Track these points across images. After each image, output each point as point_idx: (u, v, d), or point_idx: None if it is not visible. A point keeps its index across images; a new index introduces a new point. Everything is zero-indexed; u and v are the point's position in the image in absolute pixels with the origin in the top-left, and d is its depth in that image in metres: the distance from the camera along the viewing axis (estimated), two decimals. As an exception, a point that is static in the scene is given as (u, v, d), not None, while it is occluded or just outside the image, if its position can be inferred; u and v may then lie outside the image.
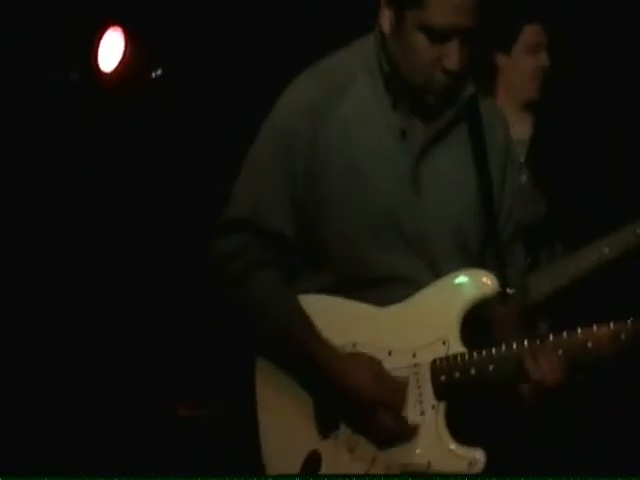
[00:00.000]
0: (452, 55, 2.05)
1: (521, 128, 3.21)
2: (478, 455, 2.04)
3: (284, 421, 2.19)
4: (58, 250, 3.89)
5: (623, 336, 2.04)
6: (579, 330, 2.05)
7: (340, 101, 2.14)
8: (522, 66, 3.24)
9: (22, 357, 3.77)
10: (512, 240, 2.27)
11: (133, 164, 4.10)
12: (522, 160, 3.20)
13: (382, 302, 2.14)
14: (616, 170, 3.43)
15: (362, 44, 2.22)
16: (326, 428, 2.14)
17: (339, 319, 2.15)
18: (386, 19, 2.11)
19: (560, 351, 2.03)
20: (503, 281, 2.12)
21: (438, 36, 2.05)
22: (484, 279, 2.10)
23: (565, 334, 2.05)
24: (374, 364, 2.10)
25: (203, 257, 2.28)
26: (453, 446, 2.06)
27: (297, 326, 2.13)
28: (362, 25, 2.26)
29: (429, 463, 2.06)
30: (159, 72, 4.37)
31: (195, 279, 2.41)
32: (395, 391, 2.09)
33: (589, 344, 2.03)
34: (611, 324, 2.04)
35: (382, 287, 2.14)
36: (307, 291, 2.20)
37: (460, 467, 2.03)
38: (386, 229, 2.13)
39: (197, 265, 2.36)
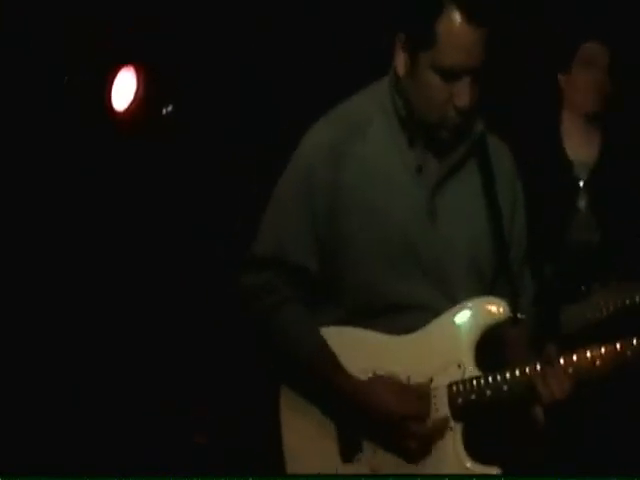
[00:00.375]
0: (463, 94, 2.17)
1: (586, 150, 3.25)
2: (494, 472, 2.15)
3: (308, 446, 2.27)
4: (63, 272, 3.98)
5: (629, 353, 2.15)
6: (588, 352, 2.16)
7: (358, 141, 2.26)
8: (579, 81, 3.26)
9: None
10: (522, 268, 2.38)
11: (146, 197, 4.20)
12: (582, 184, 3.20)
13: (400, 330, 2.25)
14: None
15: (376, 88, 2.34)
16: (349, 452, 2.23)
17: (358, 349, 2.25)
18: (401, 62, 2.23)
19: (570, 370, 2.15)
20: (514, 307, 2.23)
21: (449, 75, 2.16)
22: (496, 306, 2.22)
23: (575, 356, 2.16)
24: (394, 381, 2.21)
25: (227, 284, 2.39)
26: (470, 465, 2.16)
27: (322, 357, 2.23)
28: (376, 70, 2.38)
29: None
30: (170, 108, 4.53)
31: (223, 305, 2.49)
32: (420, 399, 2.18)
33: (597, 363, 2.15)
34: (617, 344, 2.14)
35: (400, 315, 2.24)
36: (327, 322, 2.28)
37: None
38: (404, 259, 2.23)
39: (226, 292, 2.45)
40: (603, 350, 2.16)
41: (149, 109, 4.30)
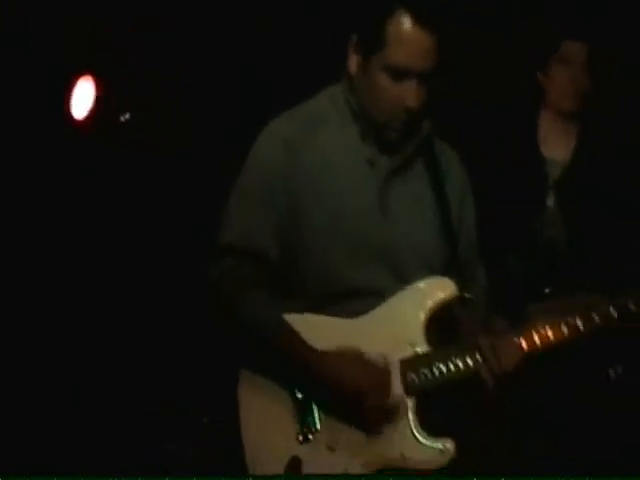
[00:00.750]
0: (411, 94, 2.30)
1: (561, 149, 3.28)
2: (448, 445, 2.27)
3: (265, 429, 2.36)
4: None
5: (580, 327, 2.29)
6: (535, 328, 2.30)
7: (313, 138, 2.40)
8: (557, 78, 3.29)
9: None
10: (474, 263, 2.52)
11: (105, 202, 4.30)
12: (552, 181, 3.24)
13: (356, 314, 2.36)
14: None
15: (330, 90, 2.50)
16: (305, 432, 2.32)
17: (316, 334, 2.34)
18: (353, 62, 2.37)
19: (518, 342, 2.29)
20: (463, 288, 2.37)
21: (398, 75, 2.29)
22: (444, 285, 2.36)
23: (524, 330, 2.30)
24: (359, 354, 2.31)
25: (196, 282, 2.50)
26: (423, 438, 2.28)
27: (287, 336, 2.33)
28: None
29: (402, 455, 2.27)
30: (127, 116, 4.68)
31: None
32: (382, 374, 2.30)
33: (544, 339, 2.31)
34: (566, 316, 2.28)
35: (356, 301, 2.36)
36: (287, 310, 2.38)
37: (431, 456, 2.26)
38: (358, 247, 2.36)
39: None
40: (549, 327, 2.28)
41: (107, 117, 4.43)
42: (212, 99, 4.43)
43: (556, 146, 3.28)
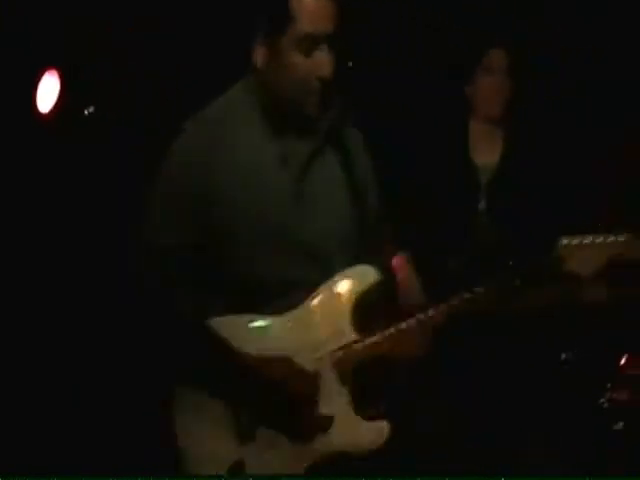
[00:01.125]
0: (323, 63, 2.39)
1: (489, 154, 3.46)
2: (384, 425, 2.38)
3: (204, 439, 2.40)
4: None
5: (478, 302, 2.44)
6: (439, 307, 2.45)
7: (227, 138, 2.44)
8: (481, 87, 3.46)
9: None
10: (381, 225, 2.63)
11: (70, 196, 4.39)
12: (484, 184, 3.43)
13: (285, 308, 2.43)
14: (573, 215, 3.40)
15: (238, 88, 2.54)
16: (245, 435, 2.38)
17: (246, 335, 2.41)
18: (261, 56, 2.43)
19: (426, 327, 2.42)
20: (381, 270, 2.48)
21: (309, 47, 2.37)
22: (365, 273, 2.45)
23: (430, 312, 2.44)
24: (287, 362, 2.38)
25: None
26: (360, 424, 2.37)
27: (215, 346, 2.39)
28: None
29: (344, 442, 2.36)
30: (91, 109, 4.74)
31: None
32: (310, 383, 2.37)
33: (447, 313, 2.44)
34: (463, 294, 2.43)
35: (283, 295, 2.42)
36: (215, 310, 2.43)
37: (370, 438, 2.37)
38: (279, 243, 2.43)
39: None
40: (449, 303, 2.42)
41: (72, 110, 4.51)
42: (176, 91, 4.51)
43: (486, 152, 3.46)
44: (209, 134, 2.46)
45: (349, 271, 2.45)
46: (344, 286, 2.43)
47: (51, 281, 4.16)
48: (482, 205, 3.43)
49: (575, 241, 2.46)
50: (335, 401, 2.38)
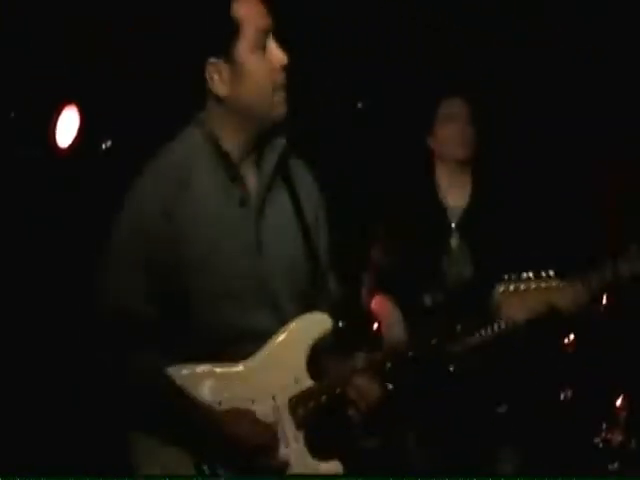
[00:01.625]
0: (276, 52, 2.47)
1: (457, 196, 3.65)
2: (337, 465, 2.48)
3: None
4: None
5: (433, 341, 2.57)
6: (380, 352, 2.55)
7: (185, 193, 2.43)
8: (444, 134, 3.63)
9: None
10: (328, 271, 2.65)
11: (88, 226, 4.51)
12: (454, 225, 3.62)
13: (242, 356, 2.45)
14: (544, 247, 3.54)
15: (189, 134, 2.51)
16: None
17: (205, 383, 2.43)
18: (220, 80, 2.44)
19: (370, 371, 2.50)
20: (335, 317, 2.54)
21: (261, 41, 2.44)
22: (320, 320, 2.51)
23: (371, 355, 2.53)
24: (247, 414, 2.42)
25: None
26: (316, 464, 2.46)
27: (176, 400, 2.40)
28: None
29: None
30: (109, 143, 4.87)
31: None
32: (268, 433, 2.42)
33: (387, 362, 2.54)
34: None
35: (241, 344, 2.44)
36: (174, 359, 2.42)
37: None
38: (239, 292, 2.43)
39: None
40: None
41: (90, 144, 4.62)
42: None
43: (455, 194, 3.67)
44: (168, 188, 2.44)
45: (304, 318, 2.50)
46: (299, 333, 2.49)
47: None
48: (454, 242, 3.62)
49: (511, 287, 2.55)
50: (292, 445, 2.46)
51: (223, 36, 2.44)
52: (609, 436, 4.05)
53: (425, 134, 3.72)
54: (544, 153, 4.92)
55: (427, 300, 3.51)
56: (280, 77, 2.48)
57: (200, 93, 2.52)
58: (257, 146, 2.52)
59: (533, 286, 2.57)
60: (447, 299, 3.49)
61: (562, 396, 4.25)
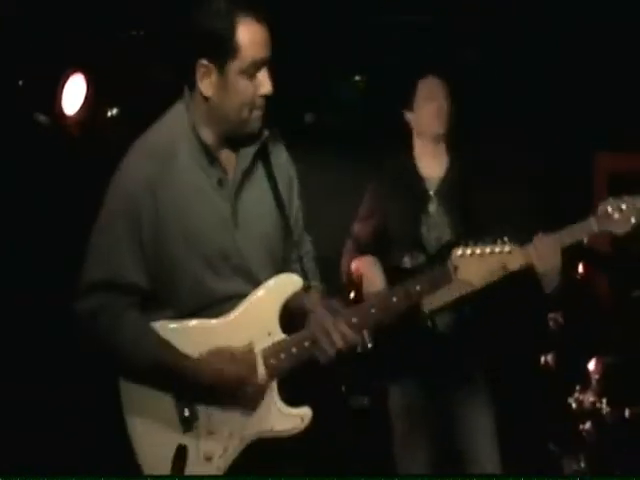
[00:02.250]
0: (265, 82, 2.66)
1: (434, 167, 3.88)
2: (306, 411, 2.70)
3: (151, 428, 2.69)
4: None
5: (394, 299, 2.75)
6: (363, 304, 2.76)
7: (169, 170, 2.65)
8: (423, 112, 3.87)
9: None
10: (301, 238, 2.90)
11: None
12: (432, 192, 3.83)
13: (222, 316, 2.70)
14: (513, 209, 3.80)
15: (176, 117, 2.72)
16: (187, 424, 2.68)
17: (188, 338, 2.67)
18: (207, 85, 2.63)
19: (353, 320, 2.69)
20: (305, 275, 2.77)
21: (252, 71, 2.63)
22: (290, 279, 2.74)
23: (356, 307, 2.74)
24: (225, 352, 2.67)
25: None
26: (286, 410, 2.71)
27: (163, 352, 2.65)
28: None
29: (272, 428, 2.68)
30: (115, 111, 4.99)
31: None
32: (246, 364, 2.66)
33: (372, 310, 2.74)
34: (386, 290, 2.74)
35: (221, 306, 2.69)
36: (161, 319, 2.69)
37: (294, 424, 2.69)
38: (217, 262, 2.68)
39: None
40: (376, 297, 2.73)
41: (97, 112, 4.73)
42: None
43: (432, 165, 3.89)
44: (154, 167, 2.65)
45: (275, 279, 2.73)
46: (272, 292, 2.72)
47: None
48: (432, 208, 3.82)
49: (467, 251, 2.77)
50: (266, 391, 2.69)
51: (221, 51, 2.61)
52: (581, 397, 4.20)
53: (404, 110, 3.92)
54: (513, 127, 5.21)
55: (407, 262, 3.72)
56: (261, 101, 2.67)
57: (192, 80, 2.67)
58: (235, 139, 2.73)
59: (488, 250, 2.77)
60: (426, 261, 3.68)
61: (542, 360, 4.41)
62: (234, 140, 2.73)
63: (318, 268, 2.93)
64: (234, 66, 2.62)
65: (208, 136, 2.71)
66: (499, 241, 2.79)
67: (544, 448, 4.30)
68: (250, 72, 2.63)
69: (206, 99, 2.67)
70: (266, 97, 2.67)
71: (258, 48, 2.63)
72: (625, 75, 5.16)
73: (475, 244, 2.78)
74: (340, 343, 2.67)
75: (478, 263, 2.78)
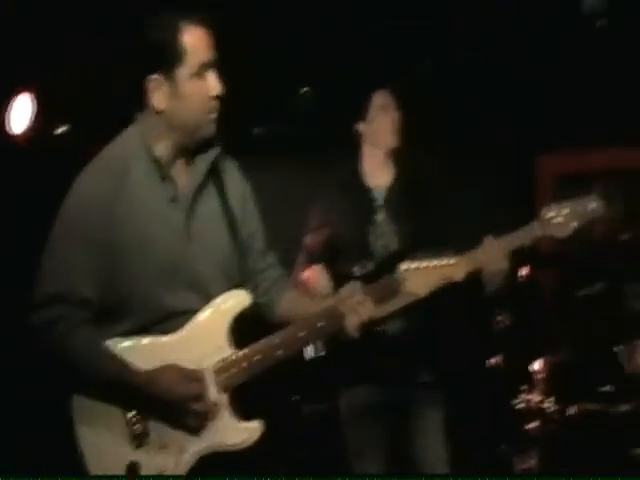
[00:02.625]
0: (215, 84, 2.73)
1: (383, 177, 3.94)
2: (256, 425, 2.74)
3: (103, 444, 2.70)
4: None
5: (319, 325, 2.79)
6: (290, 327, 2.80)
7: (122, 187, 2.70)
8: (377, 125, 3.94)
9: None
10: (263, 254, 2.95)
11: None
12: (380, 202, 3.91)
13: (174, 331, 2.73)
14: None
15: (130, 135, 2.78)
16: (138, 440, 2.70)
17: (139, 355, 2.70)
18: (160, 97, 2.69)
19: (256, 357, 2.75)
20: (256, 292, 2.84)
21: (202, 72, 2.70)
22: (238, 296, 2.78)
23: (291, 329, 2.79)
24: (176, 367, 2.69)
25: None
26: (238, 424, 2.74)
27: (116, 368, 2.68)
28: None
29: (223, 442, 2.70)
30: (65, 129, 5.00)
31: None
32: (196, 382, 2.69)
33: (300, 334, 2.78)
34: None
35: (173, 322, 2.72)
36: (114, 335, 2.71)
37: (245, 437, 2.72)
38: (170, 277, 2.71)
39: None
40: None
41: (44, 130, 4.75)
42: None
43: (380, 175, 3.96)
44: (108, 185, 2.72)
45: (225, 295, 2.78)
46: (222, 308, 2.77)
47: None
48: (380, 217, 3.90)
49: (413, 265, 2.84)
50: (217, 406, 2.72)
51: (168, 60, 2.68)
52: (529, 397, 4.29)
53: (356, 121, 3.97)
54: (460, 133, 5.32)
55: (356, 271, 3.78)
56: (213, 103, 2.73)
57: (141, 99, 2.73)
58: (189, 152, 2.79)
59: (433, 264, 2.85)
60: (375, 269, 3.73)
61: (490, 362, 4.49)
62: (189, 152, 2.78)
63: (283, 284, 2.97)
64: (183, 72, 2.69)
65: (163, 151, 2.75)
66: (444, 254, 2.86)
67: (494, 448, 4.37)
68: (199, 75, 2.70)
69: (159, 113, 2.72)
70: (219, 99, 2.72)
71: (204, 51, 2.70)
72: (566, 77, 5.28)
73: (421, 258, 2.85)
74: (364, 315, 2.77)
75: (424, 276, 2.85)
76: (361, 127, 3.98)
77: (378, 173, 3.97)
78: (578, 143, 5.46)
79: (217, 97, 2.73)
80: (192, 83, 2.70)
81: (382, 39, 4.98)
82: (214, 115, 2.75)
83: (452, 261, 2.86)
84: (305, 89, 5.38)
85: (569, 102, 5.37)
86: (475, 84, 5.26)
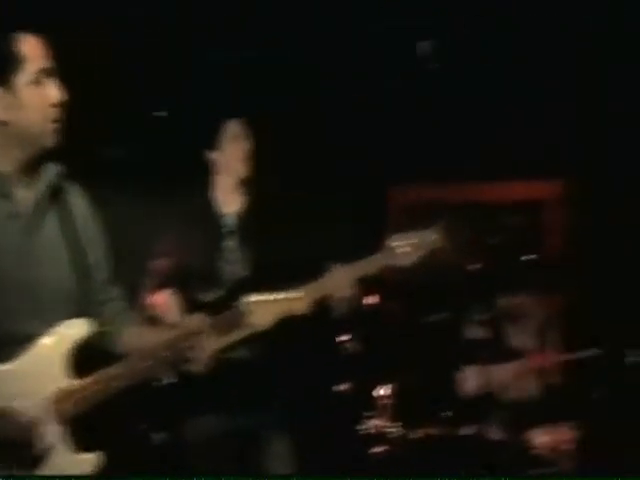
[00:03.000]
0: (53, 92, 2.71)
1: (233, 205, 3.99)
2: (95, 456, 2.70)
3: None
4: None
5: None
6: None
7: None
8: (228, 154, 4.00)
9: None
10: (106, 286, 2.92)
11: None
12: (230, 228, 3.95)
13: (12, 359, 2.66)
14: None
15: None
16: None
17: None
18: (0, 108, 2.65)
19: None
20: (99, 321, 2.80)
21: (40, 79, 2.67)
22: (77, 326, 2.74)
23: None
24: (5, 411, 2.60)
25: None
26: (76, 456, 2.69)
27: None
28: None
29: (62, 471, 2.66)
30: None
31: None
32: (26, 428, 2.62)
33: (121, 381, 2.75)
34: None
35: (11, 347, 2.65)
36: None
37: (84, 467, 2.68)
38: (10, 298, 2.66)
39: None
40: None
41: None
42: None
43: (230, 202, 4.03)
44: None
45: (63, 324, 2.73)
46: (58, 338, 2.73)
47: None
48: (230, 244, 3.95)
49: (254, 299, 2.90)
50: (54, 438, 2.67)
51: (5, 69, 2.66)
52: (371, 423, 4.38)
53: (208, 149, 4.03)
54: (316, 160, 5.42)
55: (205, 297, 3.80)
56: (54, 111, 2.70)
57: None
58: (32, 167, 2.74)
59: (277, 297, 2.91)
60: (224, 296, 3.76)
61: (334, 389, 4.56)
62: (31, 168, 2.73)
63: (127, 316, 2.94)
64: (21, 80, 2.67)
65: (5, 165, 2.71)
66: (291, 284, 2.93)
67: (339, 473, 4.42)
68: (38, 83, 2.68)
69: (0, 124, 2.68)
70: (60, 107, 2.69)
71: (41, 59, 2.69)
72: (413, 110, 5.47)
73: (267, 289, 2.89)
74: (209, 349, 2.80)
75: (267, 309, 2.90)
76: (214, 155, 4.02)
77: (229, 200, 4.01)
78: (432, 176, 5.62)
79: (58, 105, 2.71)
80: (31, 91, 2.68)
81: (231, 68, 5.12)
82: (56, 125, 2.71)
83: (296, 295, 2.93)
84: (158, 113, 5.37)
85: (420, 134, 5.53)
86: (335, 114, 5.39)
